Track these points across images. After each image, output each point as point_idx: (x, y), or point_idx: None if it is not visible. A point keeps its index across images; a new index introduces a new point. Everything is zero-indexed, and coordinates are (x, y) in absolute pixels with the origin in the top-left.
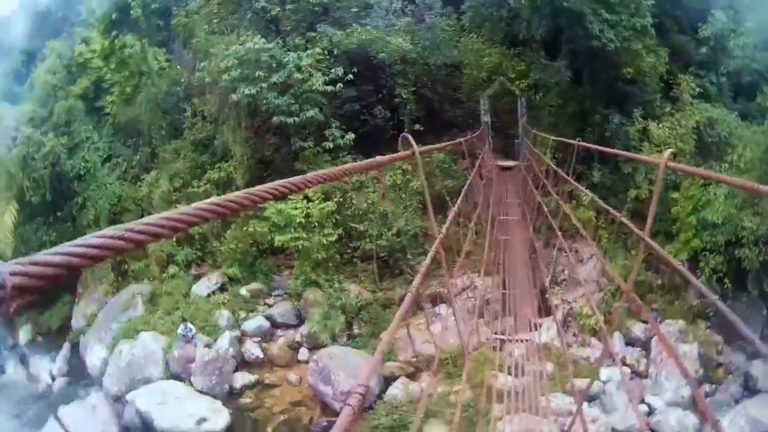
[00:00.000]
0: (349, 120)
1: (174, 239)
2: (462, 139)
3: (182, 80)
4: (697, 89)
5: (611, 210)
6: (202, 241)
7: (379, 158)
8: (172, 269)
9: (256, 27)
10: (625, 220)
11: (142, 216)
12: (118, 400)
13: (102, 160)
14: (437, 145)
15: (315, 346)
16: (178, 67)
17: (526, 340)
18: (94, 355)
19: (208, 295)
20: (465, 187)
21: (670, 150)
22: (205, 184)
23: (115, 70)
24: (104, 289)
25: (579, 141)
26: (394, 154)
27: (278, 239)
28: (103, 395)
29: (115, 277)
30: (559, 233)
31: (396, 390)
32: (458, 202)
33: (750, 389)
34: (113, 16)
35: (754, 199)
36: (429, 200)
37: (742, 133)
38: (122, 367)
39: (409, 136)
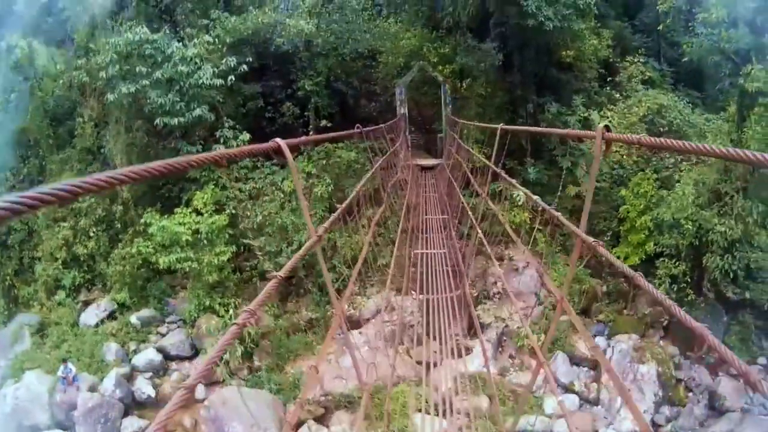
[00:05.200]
0: (253, 119)
1: (60, 261)
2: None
3: (62, 82)
4: (647, 74)
5: (547, 207)
6: (90, 261)
7: None
8: (60, 295)
9: (147, 17)
10: (562, 218)
11: (29, 234)
12: None
13: None
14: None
15: (212, 382)
16: (59, 67)
17: (455, 370)
18: None
19: (97, 325)
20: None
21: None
22: (90, 198)
23: (7, 74)
24: None
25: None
26: None
27: (163, 261)
28: None
29: (5, 304)
30: (484, 240)
31: None
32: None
33: (716, 409)
34: None
35: (719, 197)
36: None
37: (695, 121)
38: (8, 413)
39: None
